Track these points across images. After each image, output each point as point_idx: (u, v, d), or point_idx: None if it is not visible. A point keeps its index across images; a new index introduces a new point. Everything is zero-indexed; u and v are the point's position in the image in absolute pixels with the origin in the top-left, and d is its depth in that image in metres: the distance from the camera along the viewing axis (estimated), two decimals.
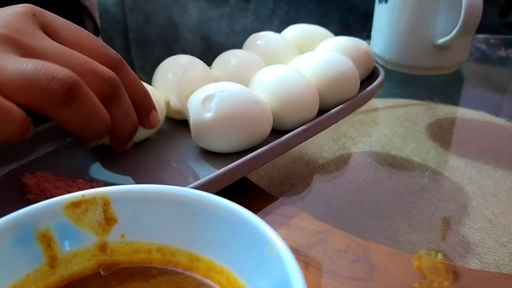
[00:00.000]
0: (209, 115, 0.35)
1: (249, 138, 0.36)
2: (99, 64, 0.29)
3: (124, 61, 0.32)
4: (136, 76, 0.33)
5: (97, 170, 0.35)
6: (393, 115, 0.51)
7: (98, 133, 0.29)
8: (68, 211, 0.22)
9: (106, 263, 0.23)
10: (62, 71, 0.26)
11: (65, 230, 0.22)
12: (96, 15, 0.63)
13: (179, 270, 0.23)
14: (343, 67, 0.42)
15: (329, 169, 0.41)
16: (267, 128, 0.37)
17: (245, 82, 0.40)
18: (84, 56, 0.29)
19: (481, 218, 0.34)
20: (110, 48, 0.31)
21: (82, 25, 0.60)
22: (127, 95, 0.32)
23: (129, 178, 0.34)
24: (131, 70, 0.32)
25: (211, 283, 0.22)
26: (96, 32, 0.62)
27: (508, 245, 0.32)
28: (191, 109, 0.36)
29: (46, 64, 0.26)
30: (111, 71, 0.30)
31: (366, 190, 0.38)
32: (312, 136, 0.39)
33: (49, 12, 0.31)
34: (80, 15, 0.60)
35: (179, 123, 0.41)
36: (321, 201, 0.37)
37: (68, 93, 0.26)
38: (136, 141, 0.37)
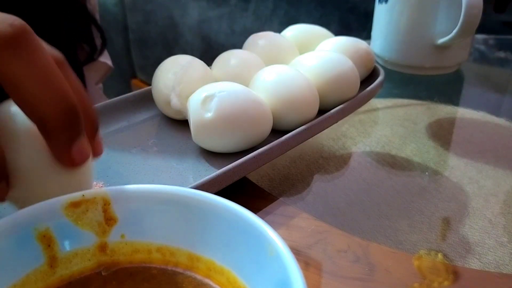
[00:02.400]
0: (209, 115, 0.35)
1: (249, 138, 0.36)
2: None
3: (28, 34, 0.20)
4: (50, 63, 0.21)
5: (97, 170, 0.35)
6: (393, 115, 0.51)
7: (55, 110, 0.20)
8: (68, 211, 0.22)
9: (106, 263, 0.23)
10: (12, 16, 0.20)
11: (65, 230, 0.22)
12: (97, 16, 0.63)
13: (179, 270, 0.23)
14: (343, 67, 0.42)
15: (329, 169, 0.41)
16: (267, 128, 0.37)
17: (245, 82, 0.40)
18: None
19: (481, 218, 0.34)
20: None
21: (91, 37, 0.60)
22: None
23: (129, 178, 0.34)
24: (40, 51, 0.20)
25: (211, 283, 0.22)
26: (103, 44, 0.62)
27: (508, 245, 0.32)
28: (191, 109, 0.36)
29: None
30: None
31: (366, 190, 0.38)
32: (312, 136, 0.39)
33: None
34: (88, 26, 0.60)
35: (179, 123, 0.41)
36: (321, 201, 0.37)
37: (19, 35, 0.19)
38: None
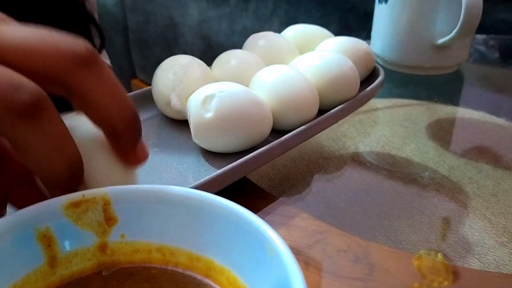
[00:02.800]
0: (209, 115, 0.35)
1: (249, 138, 0.36)
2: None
3: (97, 55, 0.22)
4: (115, 79, 0.23)
5: None
6: (393, 115, 0.51)
7: (61, 168, 0.22)
8: (68, 211, 0.22)
9: (106, 263, 0.23)
10: (29, 82, 0.21)
11: (65, 230, 0.22)
12: (95, 16, 0.63)
13: (179, 270, 0.23)
14: (343, 67, 0.42)
15: (329, 169, 0.41)
16: (267, 128, 0.37)
17: (245, 82, 0.40)
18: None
19: (481, 218, 0.34)
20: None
21: (89, 37, 0.60)
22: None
23: None
24: (107, 69, 0.23)
25: (211, 283, 0.22)
26: (102, 44, 0.62)
27: (508, 245, 0.32)
28: (191, 109, 0.36)
29: (9, 72, 0.21)
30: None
31: (366, 190, 0.38)
32: (312, 136, 0.39)
33: None
34: (87, 25, 0.60)
35: (179, 123, 0.41)
36: (321, 201, 0.37)
37: (35, 106, 0.20)
38: None
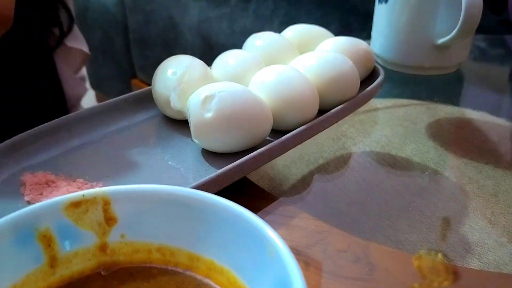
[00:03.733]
0: (209, 115, 0.35)
1: (249, 138, 0.36)
2: None
3: None
4: None
5: (97, 170, 0.35)
6: (393, 115, 0.51)
7: None
8: (69, 211, 0.22)
9: (106, 263, 0.23)
10: None
11: (65, 230, 0.22)
12: (70, 3, 0.62)
13: (179, 270, 0.23)
14: (343, 67, 0.42)
15: (329, 169, 0.41)
16: (267, 128, 0.37)
17: (245, 82, 0.40)
18: None
19: (481, 218, 0.34)
20: None
21: (56, 15, 0.59)
22: None
23: (129, 178, 0.34)
24: None
25: (211, 283, 0.22)
26: (70, 22, 0.61)
27: (508, 245, 0.32)
28: (191, 109, 0.36)
29: None
30: None
31: (366, 190, 0.38)
32: (312, 136, 0.39)
33: None
34: (54, 5, 0.59)
35: (179, 123, 0.41)
36: (321, 201, 0.37)
37: None
38: None
